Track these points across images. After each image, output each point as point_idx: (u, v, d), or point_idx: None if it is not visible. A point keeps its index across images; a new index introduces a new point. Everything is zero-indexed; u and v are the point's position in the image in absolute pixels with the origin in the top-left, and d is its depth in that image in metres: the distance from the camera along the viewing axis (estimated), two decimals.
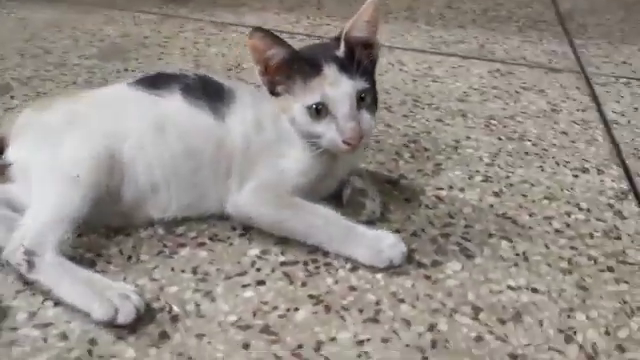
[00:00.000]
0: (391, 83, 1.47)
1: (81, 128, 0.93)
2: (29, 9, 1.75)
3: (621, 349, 0.79)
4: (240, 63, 1.52)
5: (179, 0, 1.90)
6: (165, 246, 0.92)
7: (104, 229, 0.94)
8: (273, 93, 0.93)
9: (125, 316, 0.77)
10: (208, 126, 0.95)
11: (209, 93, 0.97)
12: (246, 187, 0.93)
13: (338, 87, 0.88)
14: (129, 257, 0.89)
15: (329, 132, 0.89)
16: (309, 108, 0.89)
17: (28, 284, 0.82)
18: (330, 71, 0.89)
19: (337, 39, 0.92)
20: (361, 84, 0.89)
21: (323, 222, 0.91)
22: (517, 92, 1.49)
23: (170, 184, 0.93)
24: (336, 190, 1.01)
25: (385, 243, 0.91)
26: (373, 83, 0.92)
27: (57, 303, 0.80)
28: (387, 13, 1.95)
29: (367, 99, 0.90)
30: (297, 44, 0.94)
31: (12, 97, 1.29)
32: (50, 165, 0.90)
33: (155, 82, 0.99)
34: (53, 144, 0.92)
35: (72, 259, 0.85)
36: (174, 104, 0.95)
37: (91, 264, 0.87)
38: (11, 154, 0.94)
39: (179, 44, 1.60)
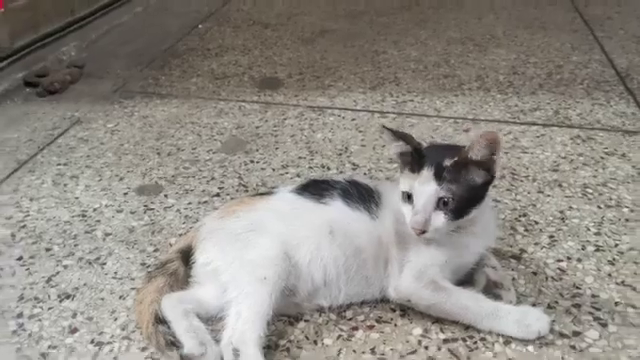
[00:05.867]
0: None
1: (263, 234, 1.10)
2: (147, 107, 1.96)
3: None
4: (347, 147, 1.70)
5: (272, 86, 2.10)
6: (342, 330, 1.08)
7: (284, 317, 1.10)
8: (402, 171, 1.11)
9: None
10: (368, 226, 1.11)
11: (361, 195, 1.15)
12: (404, 273, 1.08)
13: (423, 187, 1.04)
14: (315, 341, 1.05)
15: (407, 215, 1.06)
16: (402, 192, 1.07)
17: None
18: (427, 172, 1.05)
19: (461, 149, 1.06)
20: (444, 192, 1.03)
21: (473, 303, 1.06)
22: (602, 158, 1.64)
23: (340, 278, 1.10)
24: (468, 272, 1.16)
25: (531, 317, 1.05)
26: (475, 194, 1.05)
27: None
28: (460, 84, 2.13)
29: (449, 205, 1.03)
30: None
31: (166, 196, 1.48)
32: (239, 267, 1.07)
33: (315, 189, 1.17)
34: (239, 248, 1.09)
35: (268, 347, 1.02)
36: (339, 210, 1.12)
37: (287, 350, 1.03)
38: (200, 258, 1.13)
39: (287, 132, 1.79)
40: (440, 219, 1.04)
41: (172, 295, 1.09)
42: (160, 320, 1.05)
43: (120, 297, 1.17)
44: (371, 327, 1.09)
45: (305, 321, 1.10)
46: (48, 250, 1.30)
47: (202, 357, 0.99)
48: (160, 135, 1.78)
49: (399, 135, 1.09)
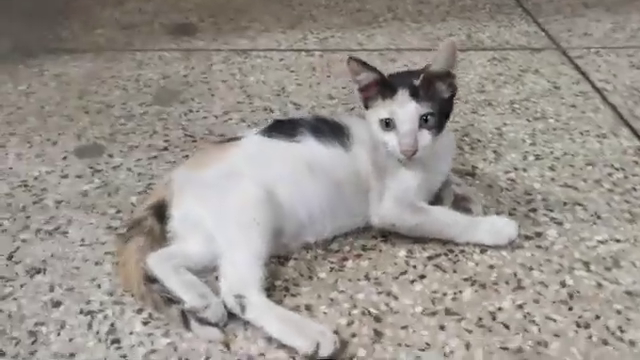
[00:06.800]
0: None
1: (241, 178, 1.09)
2: (57, 65, 1.81)
3: None
4: (284, 87, 1.69)
5: (187, 31, 2.01)
6: (332, 262, 1.11)
7: (275, 259, 1.11)
8: (366, 106, 1.14)
9: (326, 350, 0.92)
10: (343, 159, 1.14)
11: (331, 131, 1.16)
12: (384, 200, 1.12)
13: (404, 108, 1.09)
14: (310, 277, 1.08)
15: (392, 142, 1.10)
16: (381, 120, 1.11)
17: None
18: (402, 95, 1.09)
19: (422, 70, 1.11)
20: (425, 109, 1.09)
21: (450, 219, 1.14)
22: (519, 75, 1.76)
23: (324, 213, 1.12)
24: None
25: (500, 224, 1.14)
26: (446, 108, 1.12)
27: None
28: (375, 17, 2.16)
29: (430, 121, 1.09)
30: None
31: (110, 155, 1.40)
32: (224, 214, 1.06)
33: (283, 129, 1.16)
34: (220, 196, 1.07)
35: (268, 289, 1.03)
36: (312, 147, 1.13)
37: (285, 289, 1.05)
38: (177, 212, 1.09)
39: (218, 77, 1.74)
40: (426, 136, 1.09)
41: (156, 253, 1.05)
42: (151, 279, 1.02)
43: (96, 263, 1.11)
44: (359, 256, 1.13)
45: (294, 259, 1.12)
46: None
47: (206, 309, 0.98)
48: (82, 93, 1.66)
49: (367, 66, 1.10)
